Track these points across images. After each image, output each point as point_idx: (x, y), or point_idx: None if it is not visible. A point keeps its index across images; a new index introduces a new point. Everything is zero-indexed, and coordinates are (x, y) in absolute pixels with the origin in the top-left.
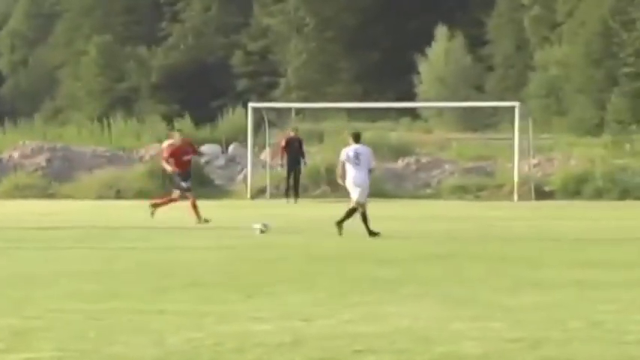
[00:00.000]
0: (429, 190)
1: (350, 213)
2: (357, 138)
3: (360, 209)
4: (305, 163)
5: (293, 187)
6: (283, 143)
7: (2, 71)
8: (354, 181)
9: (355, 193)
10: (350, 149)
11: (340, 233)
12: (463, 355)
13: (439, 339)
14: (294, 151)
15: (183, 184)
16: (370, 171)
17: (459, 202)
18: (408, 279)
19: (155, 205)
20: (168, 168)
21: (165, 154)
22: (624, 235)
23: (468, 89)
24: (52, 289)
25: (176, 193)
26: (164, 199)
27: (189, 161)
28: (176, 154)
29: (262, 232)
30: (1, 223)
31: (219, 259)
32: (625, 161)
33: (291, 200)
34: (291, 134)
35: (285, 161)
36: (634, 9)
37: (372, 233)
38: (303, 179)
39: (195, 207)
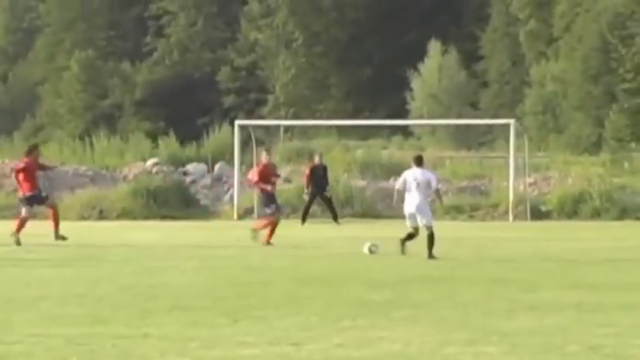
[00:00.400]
0: None
1: (409, 237)
2: (419, 161)
3: (427, 231)
4: (327, 191)
5: (329, 210)
6: (308, 172)
7: None
8: (411, 207)
9: (419, 221)
10: (409, 175)
11: (430, 256)
12: None
13: None
14: (318, 178)
15: (268, 209)
16: (436, 192)
17: (453, 222)
18: (399, 302)
19: (256, 230)
20: (267, 187)
21: (256, 178)
22: (623, 257)
23: (462, 106)
24: (32, 313)
25: (275, 214)
26: (265, 222)
27: (274, 184)
28: (266, 176)
29: (372, 252)
30: None
31: (205, 282)
32: (624, 180)
33: (305, 224)
34: (316, 161)
35: (310, 189)
36: (633, 23)
37: (432, 256)
38: (292, 199)
39: (273, 228)
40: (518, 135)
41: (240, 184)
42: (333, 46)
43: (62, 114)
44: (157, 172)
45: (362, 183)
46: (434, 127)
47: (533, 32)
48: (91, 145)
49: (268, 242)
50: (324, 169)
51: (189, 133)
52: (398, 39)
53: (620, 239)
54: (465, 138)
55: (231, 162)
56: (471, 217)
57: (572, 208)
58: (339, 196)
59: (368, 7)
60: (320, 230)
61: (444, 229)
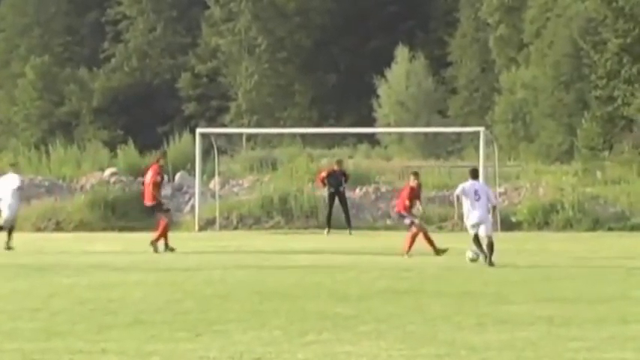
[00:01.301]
0: (389, 221)
1: (489, 246)
2: (474, 174)
3: (487, 240)
4: (343, 188)
5: (345, 217)
6: (324, 174)
7: None
8: (475, 220)
9: (480, 231)
10: (468, 185)
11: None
12: None
13: None
14: (335, 182)
15: (407, 220)
16: (494, 209)
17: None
18: (365, 316)
19: (438, 252)
20: (420, 208)
21: (403, 205)
22: (595, 269)
23: (430, 114)
24: None
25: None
26: (427, 241)
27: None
28: (413, 199)
29: (473, 260)
30: None
31: (165, 296)
32: (596, 190)
33: (329, 231)
34: (335, 168)
35: (328, 192)
36: (605, 29)
37: (491, 263)
38: (255, 211)
39: (428, 237)
40: (487, 143)
41: (201, 194)
42: (298, 51)
43: (17, 122)
44: (115, 182)
45: (327, 193)
46: (401, 135)
47: (503, 38)
48: (47, 154)
49: (437, 250)
50: (344, 174)
51: (149, 142)
52: (364, 45)
53: (593, 251)
54: (434, 146)
55: (192, 171)
56: (440, 228)
57: (544, 219)
58: (303, 207)
59: (333, 11)
60: (283, 242)
61: None
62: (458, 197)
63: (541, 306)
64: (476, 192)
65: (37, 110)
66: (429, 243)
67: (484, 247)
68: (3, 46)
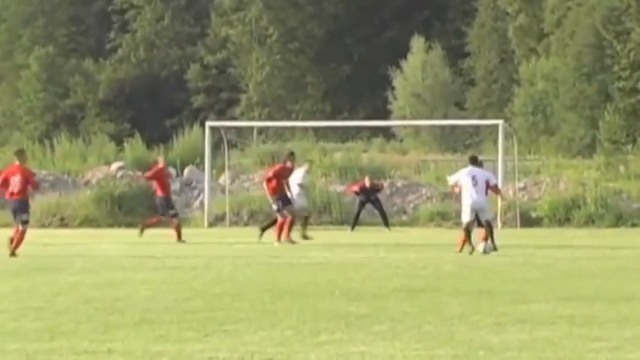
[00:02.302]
0: (404, 217)
1: (488, 229)
2: (474, 160)
3: (486, 225)
4: (375, 196)
5: (381, 217)
6: (356, 189)
7: None
8: (472, 205)
9: (480, 217)
10: (466, 172)
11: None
12: None
13: None
14: (366, 195)
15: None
16: (496, 187)
17: (437, 229)
18: (380, 315)
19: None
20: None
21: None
22: (618, 266)
23: (447, 106)
24: None
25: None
26: (492, 237)
27: None
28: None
29: (486, 252)
30: None
31: (172, 294)
32: (619, 185)
33: (350, 230)
34: (367, 184)
35: (359, 198)
36: (628, 18)
37: (495, 247)
38: (265, 207)
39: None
40: (507, 137)
41: (210, 190)
42: (310, 42)
43: (21, 115)
44: (121, 177)
45: (341, 188)
46: (417, 128)
47: (522, 27)
48: (52, 148)
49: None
50: (374, 189)
51: (157, 135)
52: (379, 35)
53: (616, 247)
54: (451, 140)
55: (201, 166)
56: (457, 224)
57: (565, 215)
58: (315, 202)
59: (347, 0)
60: (294, 238)
61: (428, 236)
62: (456, 183)
63: (562, 305)
64: (473, 177)
65: (41, 103)
66: (488, 237)
67: (475, 236)
68: (6, 37)
